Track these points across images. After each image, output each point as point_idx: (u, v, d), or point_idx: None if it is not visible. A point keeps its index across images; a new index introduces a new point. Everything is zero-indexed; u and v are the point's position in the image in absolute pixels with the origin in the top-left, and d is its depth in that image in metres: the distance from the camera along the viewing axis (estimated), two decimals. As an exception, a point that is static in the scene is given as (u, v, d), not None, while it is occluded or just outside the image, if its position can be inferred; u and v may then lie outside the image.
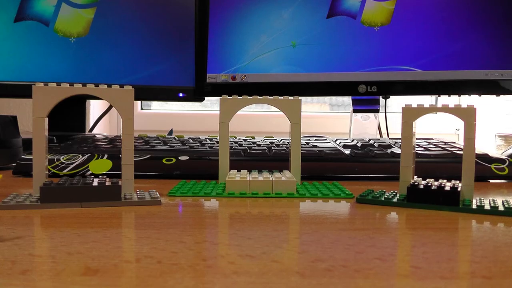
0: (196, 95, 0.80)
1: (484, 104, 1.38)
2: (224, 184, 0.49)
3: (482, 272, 0.24)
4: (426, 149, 0.61)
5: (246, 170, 0.52)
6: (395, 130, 0.93)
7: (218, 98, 0.52)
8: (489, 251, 0.28)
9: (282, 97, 0.50)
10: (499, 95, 0.73)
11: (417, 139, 0.70)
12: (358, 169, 0.57)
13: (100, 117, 0.95)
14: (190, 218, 0.36)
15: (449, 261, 0.26)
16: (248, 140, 0.68)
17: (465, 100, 1.32)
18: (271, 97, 0.50)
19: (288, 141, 0.67)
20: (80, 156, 0.57)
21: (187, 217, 0.37)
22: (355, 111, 0.81)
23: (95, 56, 0.76)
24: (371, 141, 0.67)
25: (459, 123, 1.44)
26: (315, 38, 0.75)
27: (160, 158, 0.56)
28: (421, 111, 0.43)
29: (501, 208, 0.38)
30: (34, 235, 0.31)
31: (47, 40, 0.74)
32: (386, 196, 0.43)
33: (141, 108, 1.52)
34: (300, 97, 0.50)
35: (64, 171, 0.55)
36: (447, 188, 0.40)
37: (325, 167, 0.57)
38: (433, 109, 0.43)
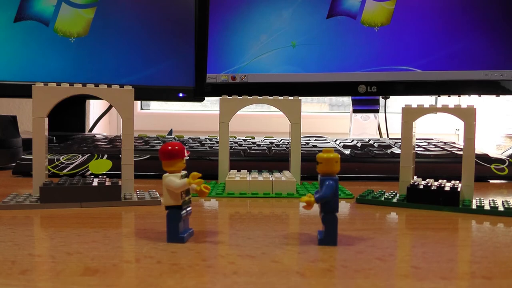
0: (196, 95, 0.80)
1: (484, 105, 1.38)
2: (224, 184, 0.49)
3: (482, 273, 0.24)
4: (426, 149, 0.61)
5: (246, 170, 0.52)
6: (395, 130, 0.93)
7: (218, 98, 0.52)
8: (489, 251, 0.28)
9: (282, 97, 0.50)
10: (499, 95, 0.73)
11: (417, 139, 0.70)
12: (358, 169, 0.57)
13: (100, 117, 0.95)
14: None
15: (449, 261, 0.26)
16: (248, 140, 0.68)
17: (465, 100, 1.32)
18: (271, 97, 0.50)
19: (288, 141, 0.67)
20: (80, 156, 0.57)
21: (187, 217, 0.36)
22: (355, 111, 0.81)
23: (95, 56, 0.76)
24: (371, 141, 0.67)
25: (459, 123, 1.44)
26: (315, 38, 0.75)
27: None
28: (421, 111, 0.43)
29: (501, 208, 0.38)
30: (34, 235, 0.31)
31: (47, 40, 0.74)
32: (386, 196, 0.43)
33: (141, 108, 1.52)
34: (300, 97, 0.50)
35: (64, 171, 0.55)
36: (447, 188, 0.40)
37: (325, 167, 0.57)
38: (433, 109, 0.43)
